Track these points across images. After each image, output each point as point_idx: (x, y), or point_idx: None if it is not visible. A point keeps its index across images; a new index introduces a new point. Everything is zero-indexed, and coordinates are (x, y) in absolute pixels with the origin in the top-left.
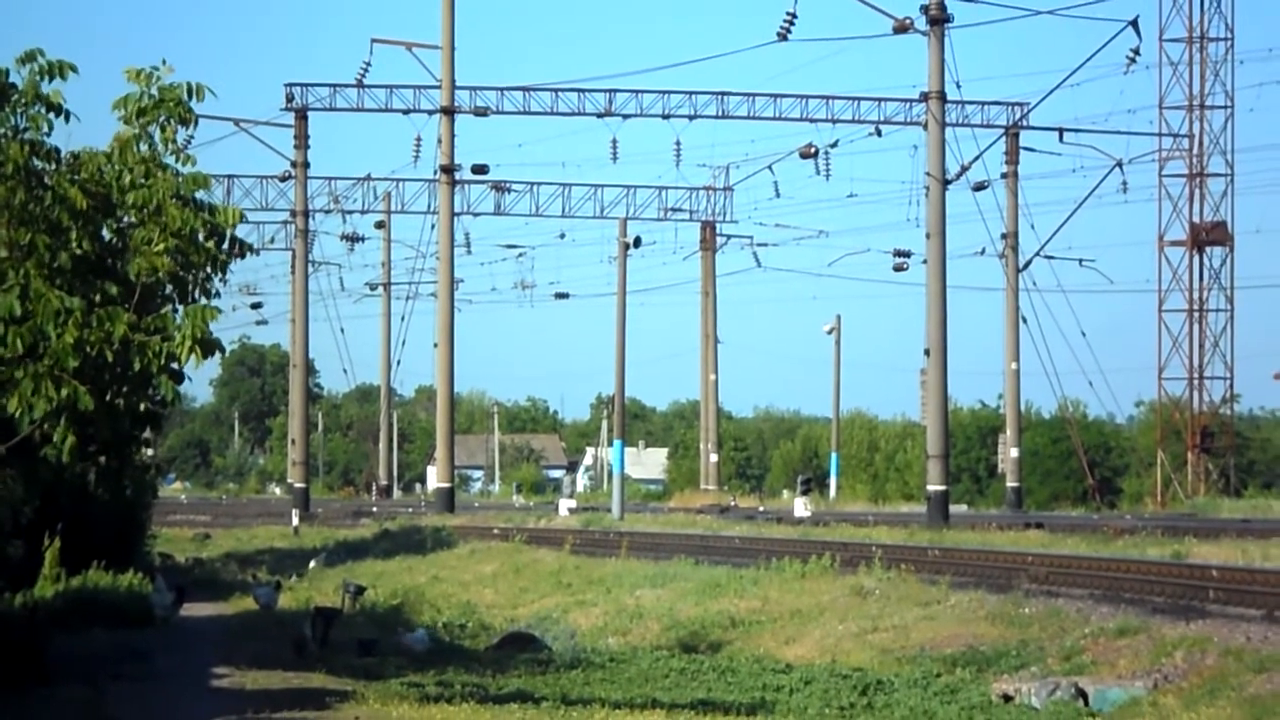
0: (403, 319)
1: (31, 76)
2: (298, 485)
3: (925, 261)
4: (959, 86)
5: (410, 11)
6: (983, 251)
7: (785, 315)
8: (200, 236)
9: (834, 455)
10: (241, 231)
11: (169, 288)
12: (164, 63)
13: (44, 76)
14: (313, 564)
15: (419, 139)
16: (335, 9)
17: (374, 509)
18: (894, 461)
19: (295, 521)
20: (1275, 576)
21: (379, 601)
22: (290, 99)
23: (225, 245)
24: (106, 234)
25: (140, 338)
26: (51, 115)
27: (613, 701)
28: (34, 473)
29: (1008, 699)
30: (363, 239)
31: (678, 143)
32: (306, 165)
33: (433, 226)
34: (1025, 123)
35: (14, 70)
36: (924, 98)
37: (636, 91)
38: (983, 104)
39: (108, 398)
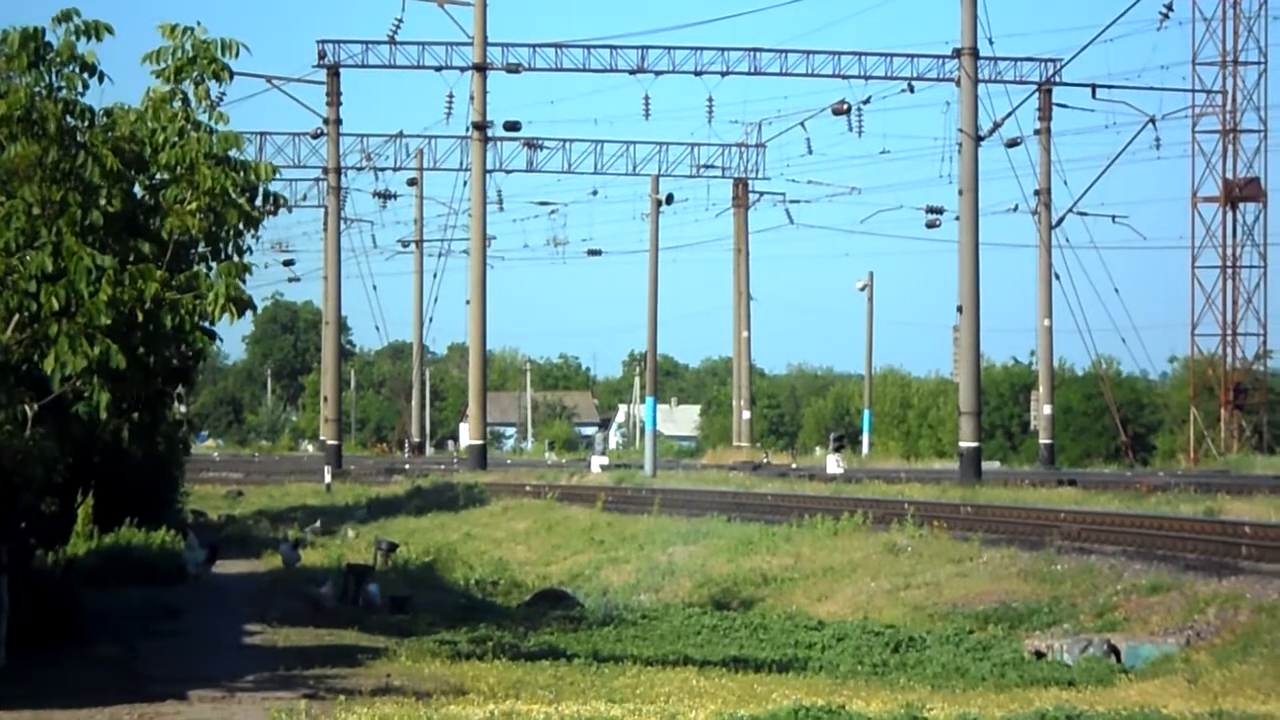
0: (435, 276)
1: (67, 36)
2: (330, 442)
3: (958, 218)
4: (991, 43)
5: None
6: (1015, 208)
7: (818, 272)
8: (232, 193)
9: (866, 412)
10: (274, 188)
11: (202, 245)
12: (199, 24)
13: (80, 36)
14: (351, 532)
15: (451, 96)
16: None
17: (406, 466)
18: (926, 418)
19: (328, 479)
20: None
21: (411, 559)
22: (322, 56)
23: (258, 200)
24: (139, 191)
25: (172, 295)
26: (86, 75)
27: (644, 658)
28: (66, 430)
29: (1040, 655)
30: (395, 196)
31: (710, 99)
32: (339, 122)
33: (465, 183)
34: (1058, 79)
35: (50, 29)
36: (956, 54)
37: (669, 48)
38: (1015, 60)
39: (140, 355)
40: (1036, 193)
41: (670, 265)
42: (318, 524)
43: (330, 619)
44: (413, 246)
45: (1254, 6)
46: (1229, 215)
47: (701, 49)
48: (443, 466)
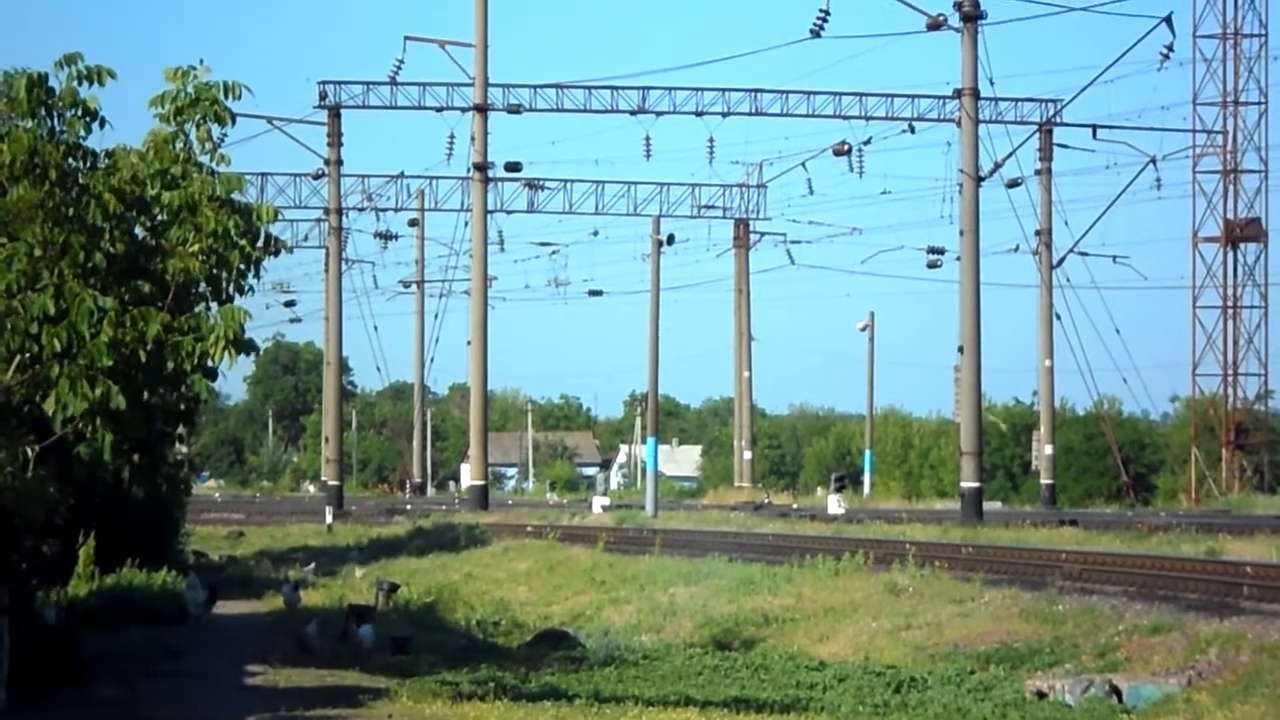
0: (436, 317)
1: (69, 82)
2: (331, 483)
3: (959, 258)
4: (992, 83)
5: (443, 9)
6: (1016, 248)
7: (819, 312)
8: (234, 235)
9: (868, 452)
10: (275, 229)
11: (203, 286)
12: (201, 63)
13: (82, 81)
14: (359, 571)
15: (452, 136)
16: (369, 7)
17: (408, 506)
18: (928, 459)
19: (329, 519)
20: None
21: (413, 599)
22: (324, 96)
23: (260, 242)
24: (140, 233)
25: (174, 337)
26: (88, 120)
27: (646, 699)
28: (68, 471)
29: (1041, 696)
30: (396, 236)
31: (711, 140)
32: (340, 163)
33: (466, 224)
34: (1059, 119)
35: (53, 74)
36: (957, 94)
37: (670, 89)
38: (1016, 101)
39: (142, 397)
40: (1037, 233)
41: (671, 306)
42: (313, 566)
43: (327, 659)
44: (414, 287)
45: (1254, 47)
46: (1230, 255)
47: (702, 90)
48: (444, 507)
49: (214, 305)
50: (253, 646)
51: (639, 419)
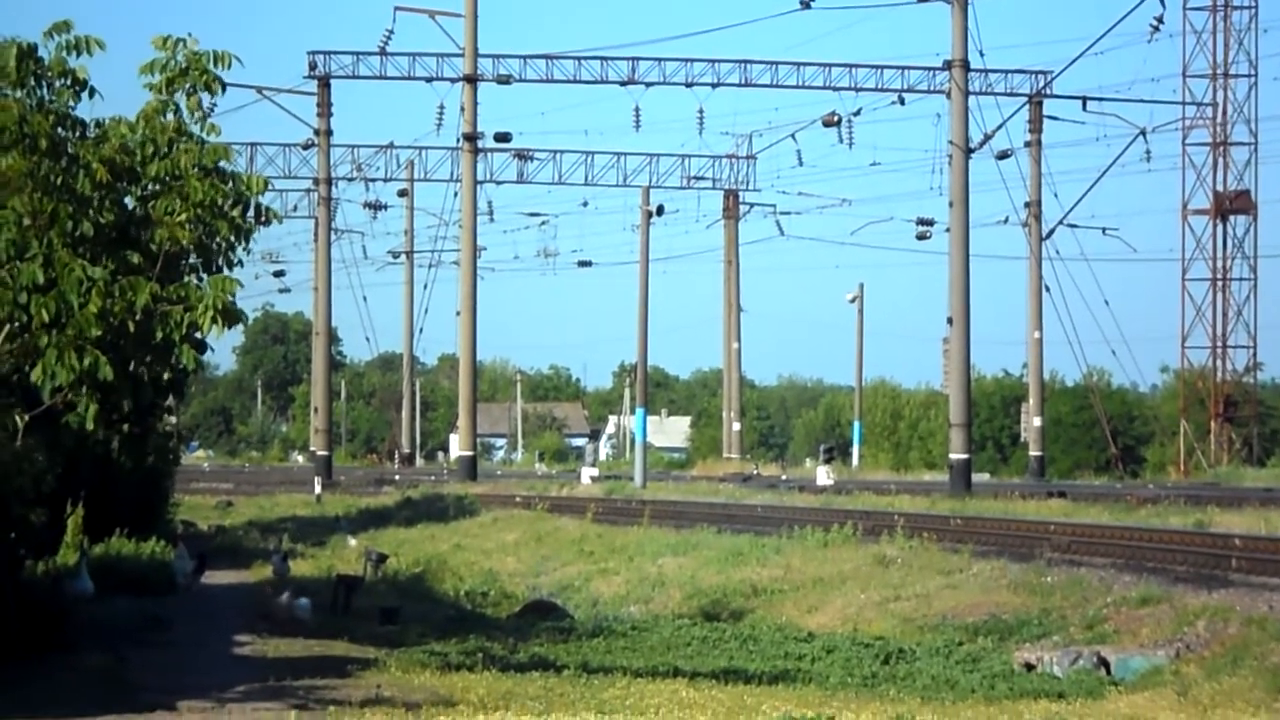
0: (425, 287)
1: (59, 52)
2: (320, 453)
3: (948, 230)
4: (982, 55)
5: None
6: (1006, 220)
7: (808, 284)
8: (225, 206)
9: (857, 424)
10: (265, 199)
11: (193, 256)
12: (190, 35)
13: (71, 51)
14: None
15: (442, 107)
16: None
17: (396, 477)
18: (917, 430)
19: (318, 489)
20: None
21: (401, 569)
22: (313, 67)
23: (250, 213)
24: (130, 202)
25: (163, 307)
26: (77, 89)
27: (634, 669)
28: (56, 441)
29: (1030, 668)
30: (385, 207)
31: (701, 111)
32: (329, 133)
33: (455, 194)
34: (1048, 91)
35: (42, 44)
36: (947, 66)
37: (659, 59)
38: (1006, 72)
39: (130, 367)
40: (1027, 205)
41: (660, 276)
42: (283, 540)
43: (306, 629)
44: (403, 257)
45: (1244, 19)
46: (1219, 228)
47: (692, 61)
48: (433, 478)
49: (204, 276)
50: (242, 616)
51: (628, 390)
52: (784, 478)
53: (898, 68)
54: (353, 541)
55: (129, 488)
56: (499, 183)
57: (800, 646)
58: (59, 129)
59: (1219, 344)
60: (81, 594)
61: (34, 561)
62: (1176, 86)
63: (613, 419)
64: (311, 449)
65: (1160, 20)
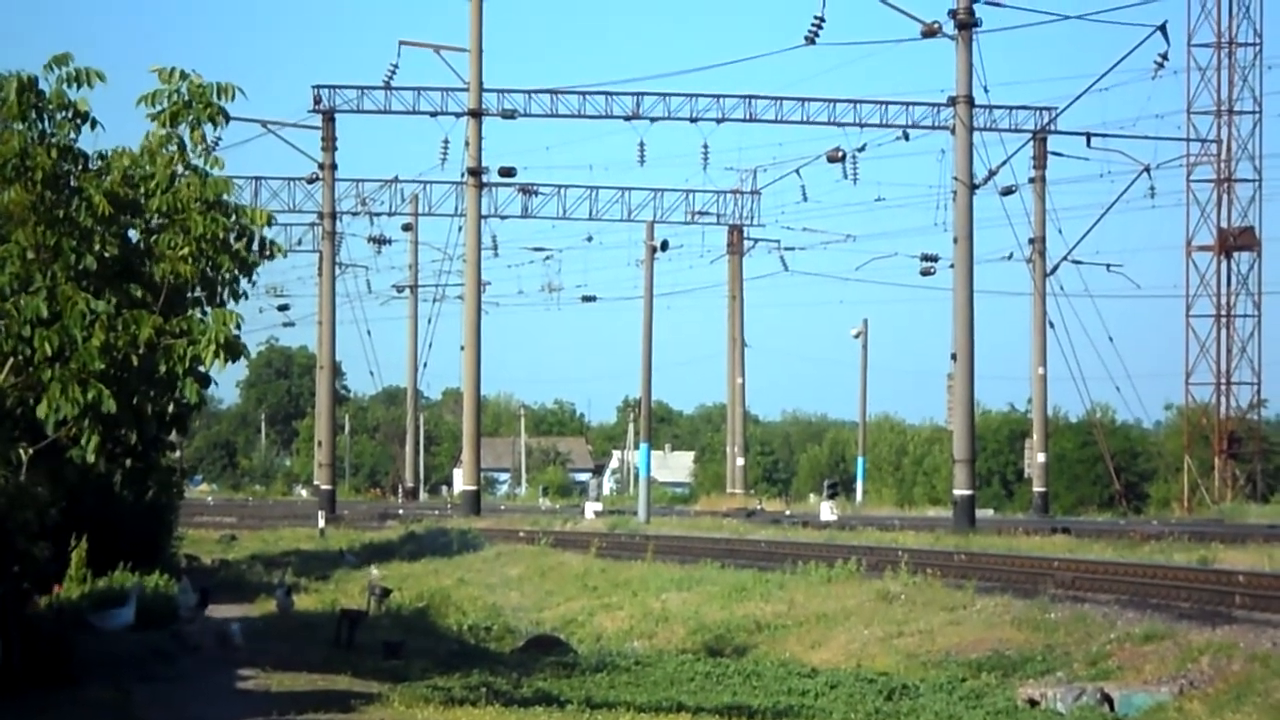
0: (429, 321)
1: (59, 84)
2: (324, 487)
3: (952, 266)
4: (987, 91)
5: (438, 14)
6: (1010, 256)
7: (812, 319)
8: (230, 239)
9: (861, 459)
10: (269, 233)
11: (197, 289)
12: (193, 71)
13: (72, 84)
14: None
15: (446, 141)
16: (363, 11)
17: (400, 511)
18: (921, 466)
19: (321, 523)
20: None
21: (405, 604)
22: (318, 101)
23: (254, 246)
24: (134, 235)
25: (166, 341)
26: (78, 121)
27: (638, 705)
28: (60, 474)
29: (1033, 704)
30: (390, 241)
31: (705, 146)
32: (334, 167)
33: (460, 229)
34: (1053, 127)
35: (42, 77)
36: (951, 102)
37: (664, 94)
38: (1010, 108)
39: (133, 400)
40: (1031, 241)
41: (665, 311)
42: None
43: (322, 664)
44: (407, 292)
45: (1249, 56)
46: (1224, 264)
47: (697, 96)
48: (436, 512)
49: (208, 309)
50: (245, 649)
51: (632, 425)
52: (788, 513)
53: (902, 103)
54: (375, 571)
55: (132, 521)
56: (503, 217)
57: (804, 682)
58: (61, 161)
59: (1223, 380)
60: (124, 625)
61: (38, 595)
62: (1181, 123)
63: (616, 454)
64: (315, 483)
65: (1165, 57)
